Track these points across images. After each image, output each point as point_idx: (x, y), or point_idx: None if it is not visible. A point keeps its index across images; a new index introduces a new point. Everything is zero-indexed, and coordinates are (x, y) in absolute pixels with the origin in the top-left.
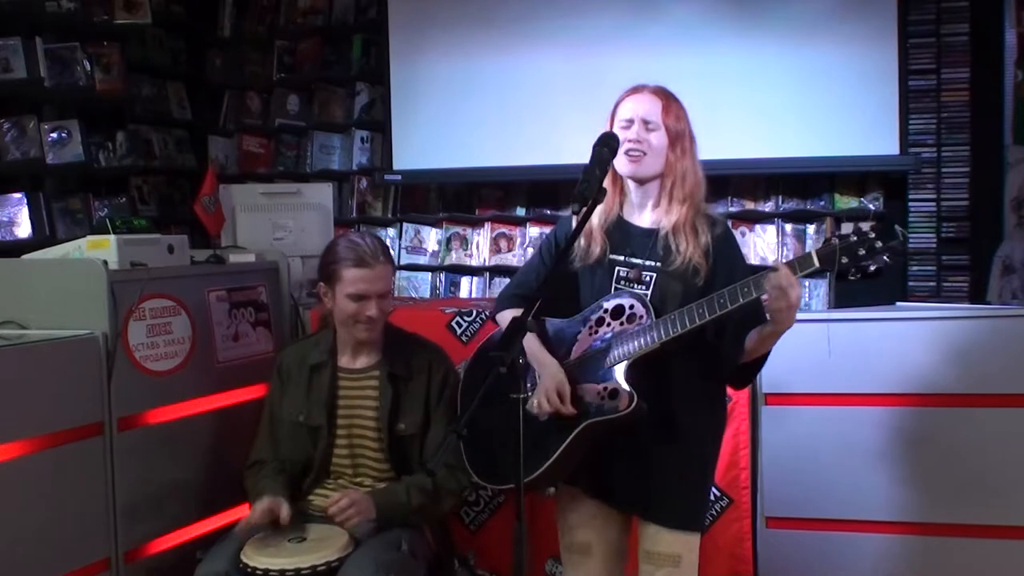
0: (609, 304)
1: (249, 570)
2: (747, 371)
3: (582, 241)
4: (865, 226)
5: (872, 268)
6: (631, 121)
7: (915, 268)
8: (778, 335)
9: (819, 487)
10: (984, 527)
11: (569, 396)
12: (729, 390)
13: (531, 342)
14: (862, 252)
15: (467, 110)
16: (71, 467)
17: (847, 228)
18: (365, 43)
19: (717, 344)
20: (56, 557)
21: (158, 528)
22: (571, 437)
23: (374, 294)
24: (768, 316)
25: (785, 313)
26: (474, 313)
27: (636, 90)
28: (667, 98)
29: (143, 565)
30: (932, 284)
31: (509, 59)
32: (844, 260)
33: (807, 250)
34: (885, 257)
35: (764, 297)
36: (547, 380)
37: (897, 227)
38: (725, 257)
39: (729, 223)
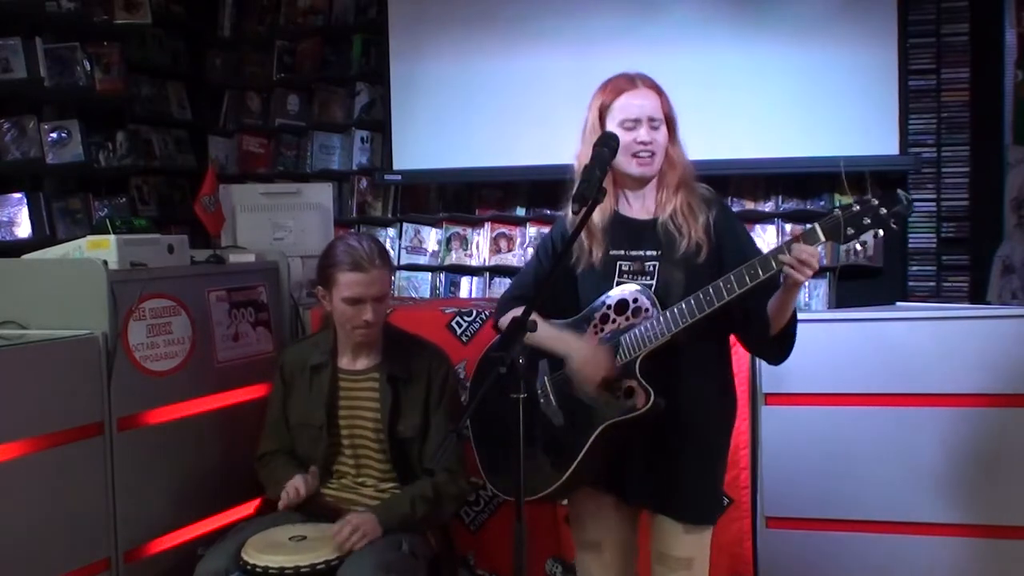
0: (612, 300)
1: (250, 567)
2: (781, 342)
3: (582, 240)
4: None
5: (880, 235)
6: (638, 121)
7: (915, 268)
8: (795, 293)
9: (819, 487)
10: (984, 527)
11: (609, 361)
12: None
13: (544, 329)
14: (867, 221)
15: (467, 110)
16: (71, 467)
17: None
18: (365, 43)
19: (746, 331)
20: (56, 557)
21: (158, 528)
22: (590, 442)
23: (370, 298)
24: (783, 280)
25: (806, 278)
26: (474, 313)
27: (630, 85)
28: (659, 91)
29: (143, 565)
30: (932, 284)
31: (509, 59)
32: (850, 231)
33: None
34: (892, 223)
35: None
36: (579, 358)
37: (900, 192)
38: (730, 236)
39: (719, 197)
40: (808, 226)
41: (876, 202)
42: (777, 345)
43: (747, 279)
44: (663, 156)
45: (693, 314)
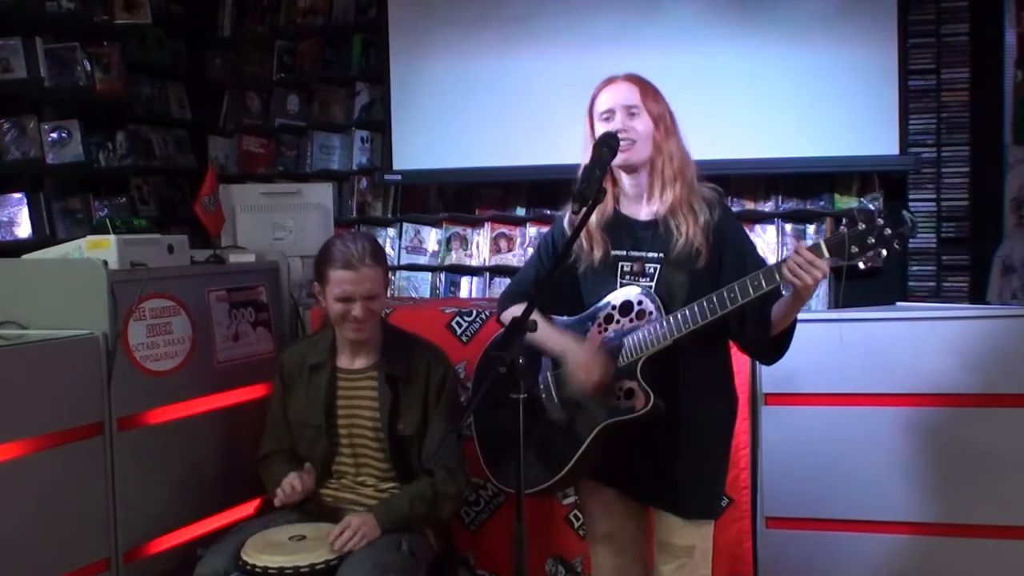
0: (617, 300)
1: (249, 567)
2: (778, 343)
3: (582, 241)
4: (871, 206)
5: (883, 255)
6: (612, 111)
7: (915, 268)
8: (802, 303)
9: (819, 487)
10: (984, 527)
11: (607, 366)
12: None
13: (544, 329)
14: (872, 240)
15: (467, 110)
16: (71, 467)
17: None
18: (365, 43)
19: (741, 331)
20: (56, 557)
21: (158, 528)
22: (588, 440)
23: (359, 296)
24: (792, 290)
25: (812, 288)
26: (474, 313)
27: (610, 81)
28: (642, 83)
29: (143, 565)
30: (932, 284)
31: (509, 59)
32: (854, 249)
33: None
34: (896, 244)
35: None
36: (575, 361)
37: (905, 212)
38: (731, 243)
39: (724, 198)
40: (812, 241)
41: (882, 222)
42: (772, 347)
43: (751, 290)
44: (648, 145)
45: (696, 320)
